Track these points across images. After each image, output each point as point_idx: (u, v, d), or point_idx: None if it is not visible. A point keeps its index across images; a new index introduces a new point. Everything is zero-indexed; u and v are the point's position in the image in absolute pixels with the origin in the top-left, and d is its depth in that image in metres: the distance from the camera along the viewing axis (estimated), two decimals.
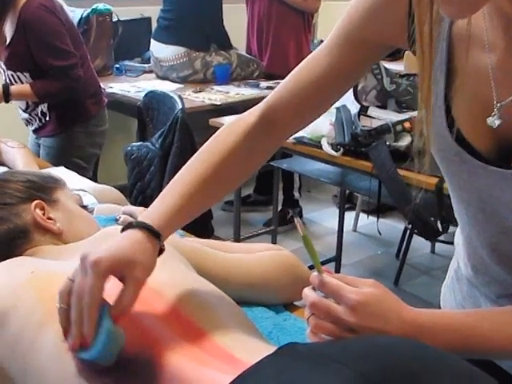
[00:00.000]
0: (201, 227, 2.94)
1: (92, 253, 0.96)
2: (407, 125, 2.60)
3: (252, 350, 0.98)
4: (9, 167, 2.30)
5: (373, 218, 4.73)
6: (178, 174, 1.14)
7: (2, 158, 2.38)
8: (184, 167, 1.15)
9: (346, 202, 4.24)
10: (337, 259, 3.82)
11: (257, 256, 1.43)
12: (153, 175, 3.00)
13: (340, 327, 0.92)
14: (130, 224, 1.03)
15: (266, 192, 4.69)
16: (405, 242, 3.94)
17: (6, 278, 1.14)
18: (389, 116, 2.72)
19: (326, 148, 2.71)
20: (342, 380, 0.76)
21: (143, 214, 1.06)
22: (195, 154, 1.16)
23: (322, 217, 4.83)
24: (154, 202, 1.10)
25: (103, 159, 3.73)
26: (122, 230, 1.03)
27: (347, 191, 4.59)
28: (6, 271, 1.16)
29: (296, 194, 4.73)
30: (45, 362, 1.00)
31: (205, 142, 1.16)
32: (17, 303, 1.07)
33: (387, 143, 2.56)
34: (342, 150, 2.68)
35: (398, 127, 2.59)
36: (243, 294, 1.23)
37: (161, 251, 1.05)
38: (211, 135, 1.17)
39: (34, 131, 3.22)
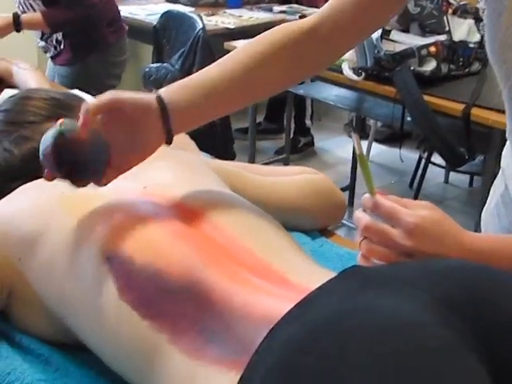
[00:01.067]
0: (222, 151, 2.90)
1: None
2: (432, 49, 2.53)
3: (309, 275, 0.93)
4: (21, 90, 2.22)
5: (385, 147, 4.71)
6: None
7: (14, 80, 2.30)
8: (219, 60, 1.08)
9: (354, 130, 4.18)
10: (351, 188, 3.77)
11: (293, 179, 1.38)
12: None
13: (395, 252, 0.88)
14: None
15: (277, 120, 4.63)
16: (419, 172, 3.89)
17: (35, 200, 1.08)
18: (412, 40, 2.63)
19: (347, 72, 2.64)
20: (419, 306, 0.71)
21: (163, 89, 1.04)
22: (235, 50, 1.09)
23: (333, 145, 4.77)
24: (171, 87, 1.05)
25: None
26: None
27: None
28: (35, 193, 1.10)
29: (308, 122, 4.66)
30: (81, 289, 0.96)
31: None
32: (48, 226, 1.01)
33: (411, 68, 2.49)
34: (363, 74, 2.61)
35: (423, 51, 2.52)
36: (279, 219, 1.18)
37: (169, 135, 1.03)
38: None
39: (51, 58, 3.13)
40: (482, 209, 1.27)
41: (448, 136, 2.38)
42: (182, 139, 1.58)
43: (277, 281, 0.90)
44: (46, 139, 0.96)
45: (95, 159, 0.98)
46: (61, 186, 1.07)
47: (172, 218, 0.99)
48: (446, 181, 4.25)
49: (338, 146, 4.73)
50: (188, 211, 1.01)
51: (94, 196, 1.04)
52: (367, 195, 0.91)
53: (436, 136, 2.38)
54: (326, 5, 1.09)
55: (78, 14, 2.79)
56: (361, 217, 0.91)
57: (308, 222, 1.41)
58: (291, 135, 4.20)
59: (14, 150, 1.21)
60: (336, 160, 4.51)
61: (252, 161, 3.43)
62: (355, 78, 2.61)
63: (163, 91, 1.02)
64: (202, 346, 0.83)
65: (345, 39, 1.11)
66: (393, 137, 4.60)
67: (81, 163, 0.98)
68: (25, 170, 1.20)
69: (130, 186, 1.07)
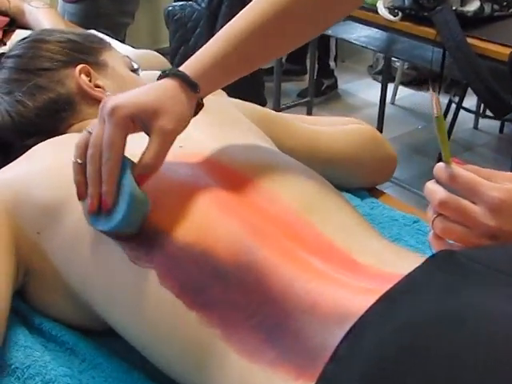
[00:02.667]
0: (253, 97, 2.73)
1: (110, 100, 0.79)
2: None
3: (378, 254, 0.79)
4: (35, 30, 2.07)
5: (411, 90, 4.52)
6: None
7: (26, 20, 2.13)
8: (239, 13, 0.93)
9: (381, 73, 4.00)
10: None
11: (342, 129, 1.24)
12: (198, 38, 2.71)
13: (476, 232, 0.72)
14: (162, 72, 0.86)
15: (299, 61, 4.44)
16: (450, 117, 3.71)
17: (55, 160, 0.93)
18: None
19: (383, 12, 2.45)
20: None
21: (182, 66, 0.88)
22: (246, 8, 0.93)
23: (357, 88, 4.57)
24: (196, 53, 0.90)
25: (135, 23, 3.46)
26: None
27: (382, 61, 4.34)
28: (54, 152, 0.96)
29: (331, 64, 4.46)
30: (112, 271, 0.82)
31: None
32: (72, 194, 0.86)
33: (453, 7, 2.30)
34: (400, 14, 2.43)
35: None
36: (327, 175, 1.03)
37: (199, 106, 0.88)
38: None
39: None
40: None
41: (492, 82, 2.22)
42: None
43: (342, 262, 0.76)
44: None
45: None
46: None
47: (216, 186, 0.85)
48: (476, 127, 4.06)
49: (362, 89, 4.53)
50: (234, 176, 0.87)
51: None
52: (441, 164, 0.74)
53: (480, 82, 2.21)
54: None
55: None
56: (435, 190, 0.74)
57: (357, 178, 1.27)
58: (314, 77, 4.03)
59: (27, 101, 1.06)
60: (361, 103, 4.33)
61: (277, 104, 3.27)
62: (391, 17, 2.42)
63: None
64: (259, 344, 0.70)
65: None
66: (419, 79, 4.41)
67: None
68: (40, 125, 1.05)
69: None
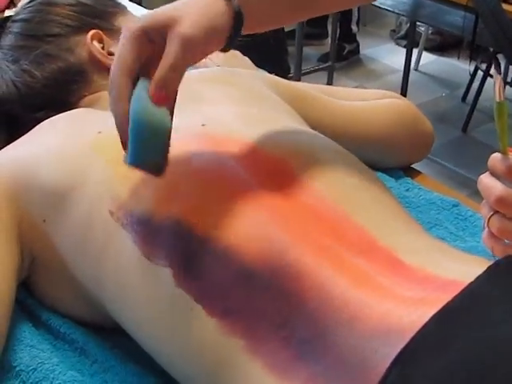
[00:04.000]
0: (276, 64, 2.62)
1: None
2: None
3: (424, 252, 0.70)
4: None
5: (435, 56, 4.39)
6: None
7: None
8: None
9: (405, 38, 3.87)
10: None
11: (377, 105, 1.13)
12: None
13: None
14: None
15: (320, 24, 4.31)
16: (476, 85, 3.59)
17: (64, 141, 0.83)
18: None
19: None
20: None
21: None
22: None
23: (379, 53, 4.43)
24: None
25: None
26: None
27: (405, 26, 4.21)
28: (65, 132, 0.85)
29: (354, 28, 4.33)
30: (124, 267, 0.73)
31: None
32: (82, 179, 0.78)
33: None
34: None
35: None
36: (360, 154, 0.93)
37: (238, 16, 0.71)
38: None
39: None
40: None
41: None
42: (235, 55, 1.33)
43: (387, 264, 0.66)
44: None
45: None
46: (98, 123, 0.84)
47: (243, 173, 0.75)
48: None
49: (385, 54, 4.39)
50: (263, 162, 0.77)
51: None
52: (497, 155, 0.65)
53: None
54: None
55: None
56: (491, 185, 0.65)
57: (393, 157, 1.17)
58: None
59: (34, 71, 0.96)
60: (384, 69, 4.20)
61: (298, 69, 3.16)
62: None
63: None
64: (290, 360, 0.61)
65: None
66: (444, 45, 4.28)
67: None
68: (49, 97, 0.96)
69: (184, 122, 0.83)
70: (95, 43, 0.99)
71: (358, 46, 4.32)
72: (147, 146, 0.66)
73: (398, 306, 0.60)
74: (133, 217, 0.72)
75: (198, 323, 0.66)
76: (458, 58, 3.57)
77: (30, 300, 0.84)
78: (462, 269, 0.63)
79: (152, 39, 0.69)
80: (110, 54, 1.00)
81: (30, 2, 1.05)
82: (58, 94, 0.97)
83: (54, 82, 0.97)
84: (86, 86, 0.98)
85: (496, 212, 0.65)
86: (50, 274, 0.82)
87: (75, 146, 0.81)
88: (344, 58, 4.15)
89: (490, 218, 0.66)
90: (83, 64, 0.98)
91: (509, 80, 3.69)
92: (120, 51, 0.69)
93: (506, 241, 0.66)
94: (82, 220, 0.76)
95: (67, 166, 0.79)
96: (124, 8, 1.09)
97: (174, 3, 0.71)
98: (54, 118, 0.88)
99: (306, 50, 4.12)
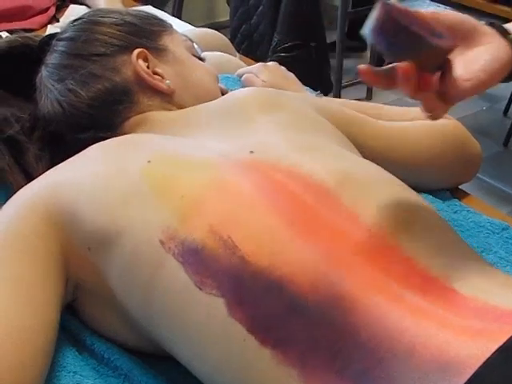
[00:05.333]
0: (320, 80, 2.60)
1: None
2: None
3: (479, 281, 0.68)
4: (88, 6, 1.97)
5: None
6: None
7: None
8: None
9: None
10: None
11: (423, 127, 1.11)
12: (262, 17, 2.57)
13: None
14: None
15: (359, 37, 4.28)
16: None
17: (113, 170, 0.81)
18: None
19: None
20: None
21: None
22: None
23: None
24: None
25: None
26: None
27: None
28: (113, 160, 0.83)
29: None
30: (174, 298, 0.71)
31: None
32: (131, 208, 0.76)
33: None
34: None
35: None
36: (404, 176, 0.91)
37: None
38: None
39: None
40: None
41: None
42: (284, 75, 1.32)
43: (441, 295, 0.64)
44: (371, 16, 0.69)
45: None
46: (146, 151, 0.82)
47: (293, 202, 0.73)
48: None
49: None
50: (315, 191, 0.75)
51: (190, 167, 0.78)
52: None
53: None
54: None
55: None
56: None
57: (440, 179, 1.15)
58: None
59: (80, 91, 0.96)
60: None
61: (338, 82, 3.15)
62: None
63: None
64: None
65: None
66: None
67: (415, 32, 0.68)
68: (94, 118, 0.96)
69: (234, 148, 0.82)
70: (140, 62, 0.98)
71: None
72: None
73: (456, 337, 0.58)
74: (184, 246, 0.71)
75: (251, 353, 0.65)
76: None
77: (74, 324, 0.83)
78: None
79: None
80: (156, 73, 0.99)
81: (76, 21, 1.04)
82: (104, 114, 0.96)
83: (100, 102, 0.96)
84: (132, 106, 0.97)
85: None
86: (95, 299, 0.81)
87: (124, 175, 0.79)
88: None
89: None
90: (129, 84, 0.98)
91: None
92: None
93: None
94: (130, 249, 0.74)
95: (114, 196, 0.78)
96: (170, 27, 1.09)
97: None
98: (101, 143, 0.87)
99: (345, 62, 4.13)
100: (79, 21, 1.04)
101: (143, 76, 0.97)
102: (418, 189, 1.08)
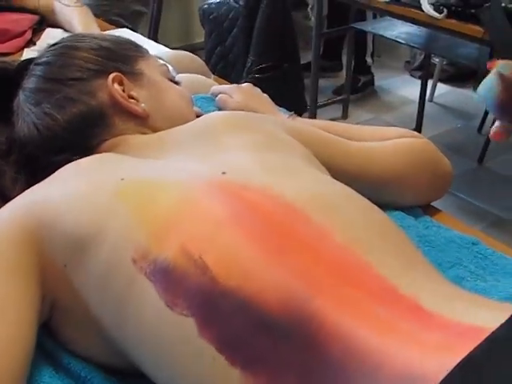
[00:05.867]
0: (294, 100, 2.64)
1: None
2: None
3: (446, 299, 0.69)
4: (65, 29, 1.99)
5: (450, 87, 4.39)
6: None
7: (56, 18, 2.06)
8: None
9: (419, 70, 3.88)
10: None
11: (392, 146, 1.13)
12: (235, 38, 2.62)
13: None
14: None
15: (334, 57, 4.34)
16: (492, 116, 3.58)
17: (88, 187, 0.83)
18: None
19: (427, 9, 2.35)
20: None
21: None
22: None
23: (394, 85, 4.45)
24: None
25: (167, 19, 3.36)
26: None
27: (420, 57, 4.22)
28: (87, 178, 0.85)
29: (368, 60, 4.35)
30: (145, 316, 0.73)
31: None
32: (104, 228, 0.77)
33: (502, 4, 2.19)
34: (445, 11, 2.32)
35: None
36: (375, 194, 0.94)
37: None
38: None
39: None
40: None
41: None
42: (253, 92, 1.34)
43: (409, 312, 0.66)
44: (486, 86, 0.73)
45: None
46: (121, 169, 0.84)
47: (262, 223, 0.74)
48: None
49: (399, 86, 4.40)
50: (285, 211, 0.76)
51: (163, 187, 0.80)
52: None
53: None
54: None
55: None
56: None
57: (410, 197, 1.17)
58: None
59: (56, 114, 0.97)
60: (399, 100, 4.20)
61: (314, 102, 3.18)
62: (436, 15, 2.32)
63: None
64: None
65: None
66: (458, 76, 4.29)
67: None
68: (70, 141, 0.97)
69: (207, 172, 0.83)
70: (116, 86, 1.00)
71: (373, 77, 4.34)
72: None
73: (421, 352, 0.60)
74: (155, 265, 0.72)
75: (221, 373, 0.66)
76: (474, 89, 3.55)
77: (51, 343, 0.84)
78: (486, 315, 0.63)
79: None
80: (131, 97, 1.01)
81: (53, 46, 1.06)
82: (79, 137, 0.98)
83: (76, 126, 0.98)
84: (107, 129, 0.99)
85: None
86: (71, 317, 0.82)
87: (98, 192, 0.81)
88: (359, 89, 4.16)
89: None
90: (104, 107, 0.99)
91: None
92: None
93: None
94: (104, 266, 0.76)
95: (89, 213, 0.79)
96: (146, 52, 1.11)
97: None
98: (76, 161, 0.89)
99: (321, 82, 4.17)
100: (56, 45, 1.06)
101: (118, 99, 0.99)
102: (389, 207, 1.12)
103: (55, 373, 0.80)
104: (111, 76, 1.00)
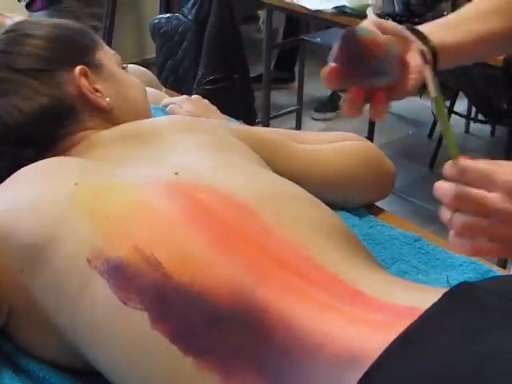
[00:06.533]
0: (243, 109, 2.68)
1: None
2: None
3: (384, 285, 0.74)
4: None
5: None
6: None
7: None
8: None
9: None
10: (369, 140, 3.55)
11: (335, 147, 1.18)
12: (186, 52, 2.66)
13: (498, 220, 0.70)
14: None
15: (287, 68, 4.37)
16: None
17: (41, 193, 0.85)
18: None
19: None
20: None
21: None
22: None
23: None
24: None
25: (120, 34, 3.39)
26: None
27: None
28: (40, 183, 0.87)
29: None
30: (100, 313, 0.76)
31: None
32: (59, 231, 0.80)
33: (444, 13, 2.27)
34: (390, 21, 2.38)
35: None
36: (322, 195, 0.98)
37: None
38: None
39: (26, 7, 2.85)
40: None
41: (484, 87, 2.18)
42: (201, 103, 1.38)
43: (348, 294, 0.71)
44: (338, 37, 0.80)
45: (386, 69, 0.85)
46: (74, 173, 0.87)
47: (212, 221, 0.79)
48: (467, 130, 4.03)
49: None
50: (232, 207, 0.81)
51: (115, 189, 0.83)
52: (449, 162, 0.73)
53: (473, 87, 2.18)
54: None
55: None
56: (447, 187, 0.72)
57: (354, 197, 1.22)
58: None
59: (21, 106, 0.98)
60: None
61: (267, 113, 3.23)
62: None
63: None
64: None
65: None
66: None
67: (372, 67, 0.83)
68: (35, 134, 0.98)
69: (158, 173, 0.87)
70: (83, 79, 1.00)
71: None
72: None
73: (359, 331, 0.65)
74: (109, 264, 0.75)
75: (175, 362, 0.70)
76: (420, 96, 3.63)
77: (9, 346, 0.86)
78: (420, 296, 0.68)
79: None
80: (96, 90, 1.02)
81: (5, 33, 1.05)
82: (44, 131, 0.98)
83: (41, 119, 0.98)
84: (73, 124, 0.99)
85: (456, 211, 0.72)
86: (28, 321, 0.84)
87: (51, 198, 0.83)
88: (339, 107, 4.18)
89: (451, 218, 0.72)
90: (71, 101, 1.00)
91: (472, 116, 3.79)
92: None
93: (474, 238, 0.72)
94: (60, 270, 0.79)
95: (44, 219, 0.82)
96: (98, 40, 1.10)
97: None
98: (31, 165, 0.90)
99: (274, 93, 4.22)
100: (9, 32, 1.05)
101: (86, 93, 1.00)
102: (335, 206, 1.16)
103: (15, 375, 0.82)
104: (77, 69, 1.00)
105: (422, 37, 0.91)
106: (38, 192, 0.86)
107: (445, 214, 0.73)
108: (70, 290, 0.78)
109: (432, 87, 0.73)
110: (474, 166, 0.71)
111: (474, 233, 0.71)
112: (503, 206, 0.69)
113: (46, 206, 0.83)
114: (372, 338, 0.63)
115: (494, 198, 0.69)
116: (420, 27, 0.94)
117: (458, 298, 0.63)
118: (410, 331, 0.60)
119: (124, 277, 0.74)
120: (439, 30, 0.95)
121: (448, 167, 0.72)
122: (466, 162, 0.71)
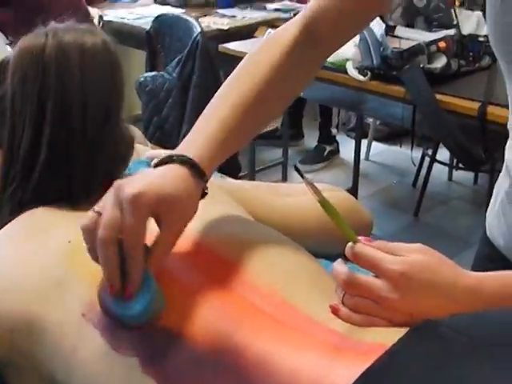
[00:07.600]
0: (229, 164, 2.73)
1: (128, 185, 0.75)
2: (442, 44, 2.38)
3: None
4: None
5: (384, 146, 4.56)
6: (213, 98, 0.95)
7: None
8: (220, 90, 0.96)
9: (355, 130, 4.05)
10: (354, 191, 3.63)
11: (313, 200, 1.23)
12: (171, 108, 2.73)
13: (384, 306, 0.74)
14: (168, 157, 0.82)
15: (295, 125, 4.44)
16: (424, 171, 3.74)
17: (34, 251, 0.87)
18: (418, 36, 2.47)
19: (352, 73, 2.49)
20: None
21: (179, 148, 0.86)
22: (232, 74, 0.97)
23: None
24: (190, 134, 0.90)
25: None
26: (156, 165, 0.82)
27: (354, 118, 4.39)
28: (36, 242, 0.89)
29: (333, 131, 4.48)
30: (95, 357, 0.79)
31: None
32: (54, 293, 0.83)
33: (421, 65, 2.34)
34: (369, 74, 2.46)
35: (432, 47, 2.38)
36: (302, 244, 1.03)
37: (203, 195, 0.85)
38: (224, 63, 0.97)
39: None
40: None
41: (462, 136, 2.24)
42: None
43: (321, 333, 0.75)
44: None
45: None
46: (67, 229, 0.89)
47: (195, 271, 0.84)
48: (450, 178, 4.11)
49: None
50: (203, 254, 0.86)
51: None
52: (349, 244, 0.79)
53: (449, 137, 2.23)
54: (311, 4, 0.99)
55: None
56: (338, 270, 0.79)
57: (334, 247, 1.26)
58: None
59: None
60: (337, 161, 4.36)
61: (252, 167, 3.29)
62: (361, 78, 2.45)
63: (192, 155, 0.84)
64: None
65: (334, 39, 1.00)
66: (392, 135, 4.47)
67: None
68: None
69: None
70: None
71: (338, 146, 4.45)
72: (152, 312, 0.77)
73: (330, 366, 0.69)
74: (102, 315, 0.79)
75: None
76: (400, 146, 3.71)
77: None
78: (387, 335, 0.72)
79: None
80: None
81: None
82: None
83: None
84: None
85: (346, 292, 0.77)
86: (24, 377, 0.86)
87: (44, 254, 0.86)
88: (325, 158, 4.29)
89: (343, 298, 0.78)
90: None
91: (454, 165, 3.87)
92: (137, 224, 0.74)
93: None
94: (54, 328, 0.81)
95: (36, 278, 0.84)
96: None
97: (164, 179, 0.79)
98: (8, 228, 0.92)
99: (259, 147, 4.30)
100: None
101: None
102: (316, 255, 1.20)
103: None
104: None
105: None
106: (32, 249, 0.88)
107: (338, 292, 0.78)
108: (65, 344, 0.80)
109: (313, 193, 0.80)
110: (365, 252, 0.76)
111: (364, 312, 0.76)
112: (387, 295, 0.73)
113: (37, 264, 0.86)
114: (341, 373, 0.66)
115: (379, 285, 0.74)
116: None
117: (422, 335, 0.68)
118: (373, 368, 0.64)
119: (115, 327, 0.78)
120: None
121: (347, 248, 0.79)
122: (359, 246, 0.78)
